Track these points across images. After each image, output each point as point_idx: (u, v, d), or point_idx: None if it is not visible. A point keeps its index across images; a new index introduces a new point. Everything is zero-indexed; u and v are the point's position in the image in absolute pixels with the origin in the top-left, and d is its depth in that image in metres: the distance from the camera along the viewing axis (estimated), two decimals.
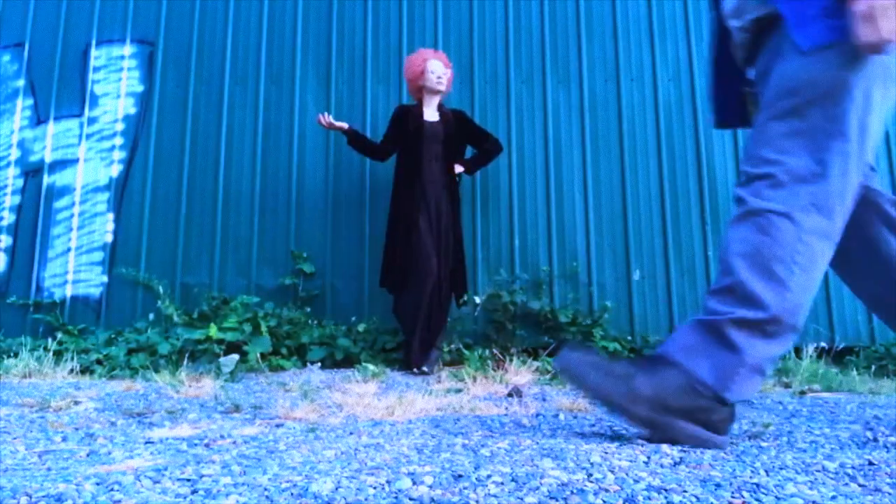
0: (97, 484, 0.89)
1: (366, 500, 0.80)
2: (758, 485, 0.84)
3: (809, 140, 1.19)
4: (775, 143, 1.21)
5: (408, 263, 2.94)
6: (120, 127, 3.61)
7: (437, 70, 3.09)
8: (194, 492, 0.85)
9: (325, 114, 3.15)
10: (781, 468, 0.97)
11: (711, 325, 1.18)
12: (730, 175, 3.48)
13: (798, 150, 1.19)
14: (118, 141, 3.59)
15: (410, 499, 0.80)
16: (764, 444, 1.20)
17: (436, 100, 3.14)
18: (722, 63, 1.45)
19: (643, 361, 1.22)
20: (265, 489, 0.85)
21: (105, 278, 3.44)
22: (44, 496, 0.82)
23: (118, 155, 3.58)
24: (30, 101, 3.68)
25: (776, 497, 0.81)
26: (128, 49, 3.69)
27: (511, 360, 2.69)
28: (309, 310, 3.29)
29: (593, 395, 1.20)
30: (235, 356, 2.55)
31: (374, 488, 0.85)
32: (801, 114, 1.19)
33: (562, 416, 1.57)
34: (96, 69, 3.68)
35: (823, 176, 1.18)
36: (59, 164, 3.59)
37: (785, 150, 1.20)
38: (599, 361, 1.22)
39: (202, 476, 0.94)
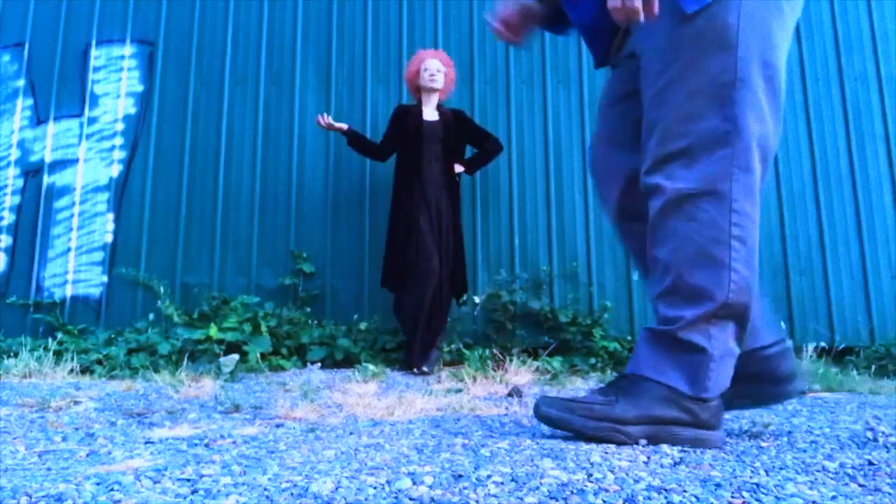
0: (97, 484, 0.89)
1: (366, 500, 0.80)
2: (758, 485, 0.84)
3: (710, 98, 1.12)
4: (676, 112, 1.14)
5: (409, 263, 2.94)
6: (120, 127, 3.61)
7: (431, 67, 3.09)
8: (194, 492, 0.85)
9: (325, 114, 3.15)
10: (781, 468, 0.97)
11: (666, 335, 1.16)
12: None
13: (703, 112, 1.12)
14: (118, 141, 3.59)
15: (410, 499, 0.80)
16: (764, 444, 1.20)
17: (434, 99, 3.14)
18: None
19: (616, 388, 1.19)
20: (265, 489, 0.85)
21: (105, 278, 3.44)
22: (44, 496, 0.82)
23: (118, 155, 3.58)
24: (30, 101, 3.68)
25: (776, 497, 0.81)
26: (128, 49, 3.69)
27: (511, 360, 2.69)
28: (309, 310, 3.29)
29: (583, 436, 1.16)
30: (235, 356, 2.55)
31: (374, 488, 0.85)
32: (695, 72, 1.12)
33: None
34: (96, 69, 3.68)
35: (736, 132, 1.11)
36: (59, 164, 3.59)
37: (689, 117, 1.13)
38: (575, 404, 1.18)
39: (202, 476, 0.94)
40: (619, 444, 1.13)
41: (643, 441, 1.14)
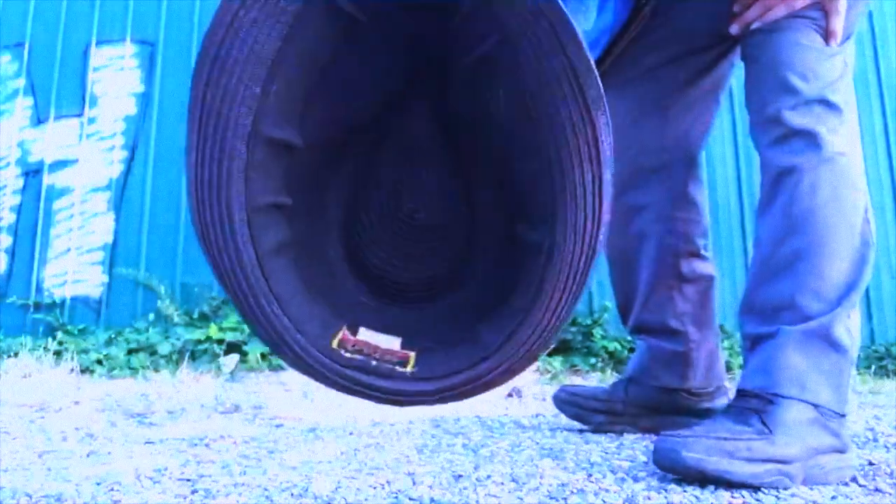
0: (97, 484, 0.89)
1: (366, 500, 0.80)
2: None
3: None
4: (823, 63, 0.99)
5: None
6: (120, 127, 3.61)
7: None
8: (194, 492, 0.85)
9: None
10: None
11: (814, 334, 0.94)
12: (729, 170, 3.48)
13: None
14: (118, 141, 3.59)
15: (410, 499, 0.80)
16: None
17: None
18: None
19: (756, 412, 0.91)
20: (265, 489, 0.85)
21: (105, 278, 3.44)
22: (44, 496, 0.82)
23: (118, 155, 3.58)
24: (30, 101, 3.68)
25: (776, 497, 0.81)
26: (128, 49, 3.69)
27: None
28: None
29: (746, 486, 0.85)
30: (235, 356, 2.55)
31: (374, 488, 0.85)
32: None
33: (562, 417, 1.57)
34: (96, 69, 3.68)
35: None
36: (59, 164, 3.59)
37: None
38: (728, 443, 0.86)
39: (202, 476, 0.94)
40: (782, 488, 0.86)
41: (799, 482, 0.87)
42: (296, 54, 0.64)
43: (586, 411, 1.30)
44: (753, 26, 1.02)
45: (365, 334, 0.65)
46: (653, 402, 1.27)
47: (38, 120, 3.66)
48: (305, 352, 0.64)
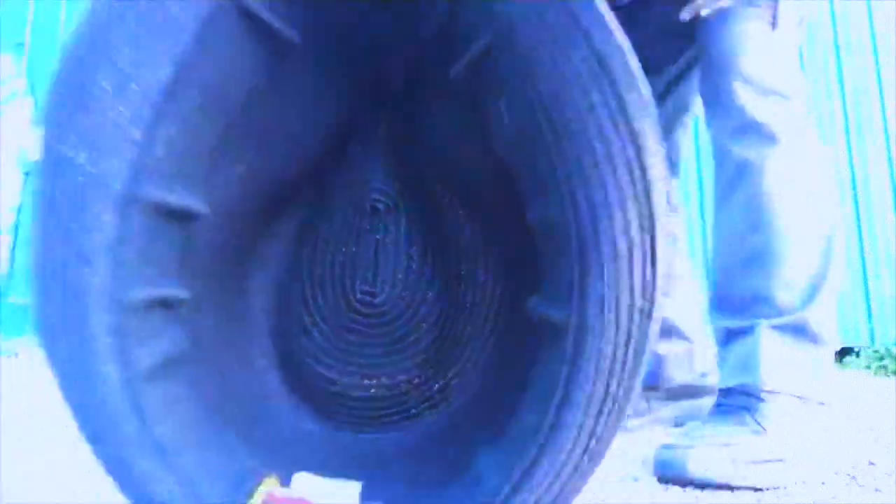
0: (97, 484, 0.89)
1: None
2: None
3: None
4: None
5: None
6: None
7: None
8: None
9: None
10: None
11: (791, 327, 0.95)
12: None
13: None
14: None
15: None
16: None
17: None
18: None
19: (748, 411, 0.93)
20: None
21: None
22: (44, 498, 0.82)
23: None
24: (30, 101, 3.67)
25: (776, 497, 0.81)
26: None
27: None
28: None
29: (755, 489, 0.87)
30: None
31: None
32: None
33: None
34: None
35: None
36: None
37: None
38: (732, 450, 0.87)
39: None
40: (784, 486, 0.87)
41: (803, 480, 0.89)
42: (198, 86, 0.45)
43: None
44: (703, 14, 0.99)
45: (304, 484, 0.42)
46: (672, 395, 1.33)
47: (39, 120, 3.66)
48: None
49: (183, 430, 0.46)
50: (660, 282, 0.44)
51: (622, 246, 0.42)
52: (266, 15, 0.46)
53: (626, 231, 0.42)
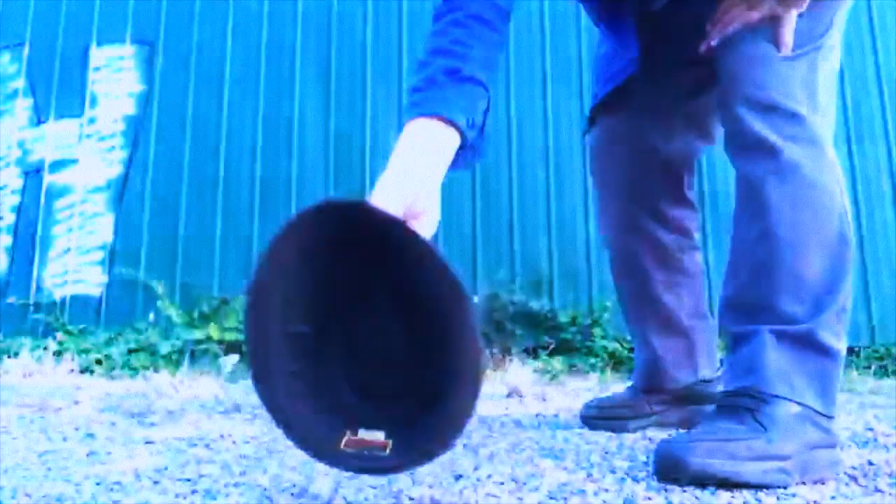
0: (97, 484, 0.89)
1: (366, 499, 0.80)
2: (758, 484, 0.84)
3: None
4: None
5: None
6: (120, 127, 3.61)
7: None
8: (194, 492, 0.85)
9: None
10: None
11: (801, 337, 0.95)
12: (729, 172, 3.48)
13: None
14: (118, 141, 3.59)
15: (410, 499, 0.80)
16: None
17: None
18: None
19: (749, 411, 0.92)
20: (265, 489, 0.85)
21: (105, 278, 3.44)
22: (44, 496, 0.83)
23: (118, 155, 3.58)
24: (30, 101, 3.68)
25: (776, 497, 0.81)
26: (128, 49, 3.69)
27: (511, 360, 2.69)
28: None
29: (750, 486, 0.85)
30: (235, 356, 2.55)
31: (374, 488, 0.85)
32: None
33: (562, 416, 1.57)
34: (96, 69, 3.68)
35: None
36: (59, 164, 3.59)
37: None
38: (731, 444, 0.87)
39: (202, 476, 0.94)
40: (783, 487, 0.86)
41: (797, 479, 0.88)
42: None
43: (621, 420, 1.33)
44: (713, 42, 1.04)
45: (361, 434, 0.78)
46: (676, 398, 1.32)
47: (38, 120, 3.66)
48: (320, 453, 0.77)
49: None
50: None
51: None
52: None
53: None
